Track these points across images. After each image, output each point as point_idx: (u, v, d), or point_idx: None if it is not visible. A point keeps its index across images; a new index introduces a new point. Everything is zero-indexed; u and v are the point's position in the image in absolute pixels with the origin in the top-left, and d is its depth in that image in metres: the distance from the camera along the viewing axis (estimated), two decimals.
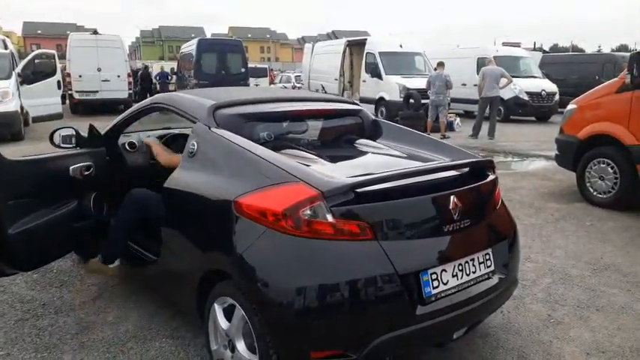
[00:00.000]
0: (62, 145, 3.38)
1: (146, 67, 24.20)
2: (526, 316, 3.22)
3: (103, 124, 3.76)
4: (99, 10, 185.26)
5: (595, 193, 5.83)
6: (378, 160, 2.82)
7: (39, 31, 73.76)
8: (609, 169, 5.65)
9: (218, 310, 2.37)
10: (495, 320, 3.13)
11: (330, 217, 2.03)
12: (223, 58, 17.12)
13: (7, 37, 15.64)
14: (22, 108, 10.64)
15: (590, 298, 3.47)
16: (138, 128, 4.12)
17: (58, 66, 12.41)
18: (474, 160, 2.68)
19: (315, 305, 1.98)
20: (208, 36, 38.97)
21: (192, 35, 40.68)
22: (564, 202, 6.03)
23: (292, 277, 2.02)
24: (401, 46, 15.71)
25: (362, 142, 3.13)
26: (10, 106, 10.07)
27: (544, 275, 3.87)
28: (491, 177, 2.63)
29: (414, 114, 12.57)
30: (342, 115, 3.38)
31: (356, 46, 16.84)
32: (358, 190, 2.09)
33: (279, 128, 3.06)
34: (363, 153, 3.00)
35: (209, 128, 2.63)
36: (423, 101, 12.37)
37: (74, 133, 3.41)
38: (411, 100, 12.80)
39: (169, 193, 2.68)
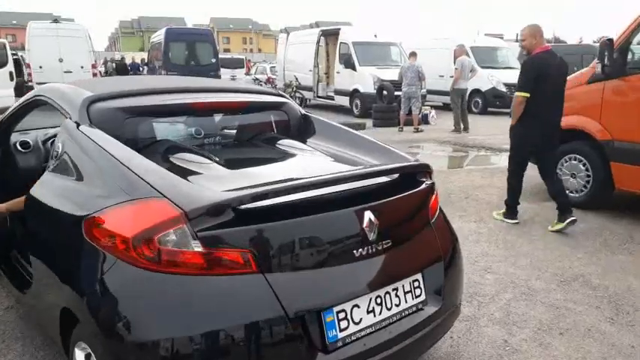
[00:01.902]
0: None
1: (122, 58, 23.73)
2: (478, 343, 2.77)
3: None
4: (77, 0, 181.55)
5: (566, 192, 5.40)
6: (291, 167, 2.33)
7: (14, 22, 71.34)
8: (581, 166, 5.24)
9: (79, 355, 1.89)
10: (442, 348, 2.68)
11: (196, 245, 1.55)
12: (192, 48, 16.45)
13: None
14: None
15: (553, 318, 3.04)
16: (48, 124, 3.60)
17: (10, 56, 11.67)
18: (399, 165, 2.18)
19: None
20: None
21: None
22: (534, 201, 5.62)
23: (145, 326, 1.54)
24: (375, 36, 15.19)
25: (284, 143, 2.62)
26: None
27: (504, 289, 3.43)
28: (424, 185, 2.15)
29: (387, 107, 12.11)
30: (261, 108, 2.87)
31: (331, 36, 16.24)
32: (240, 208, 1.61)
33: (178, 126, 2.55)
34: (279, 157, 2.49)
35: (77, 126, 2.12)
36: (396, 93, 11.89)
37: None
38: (384, 92, 12.31)
39: (30, 203, 2.18)
